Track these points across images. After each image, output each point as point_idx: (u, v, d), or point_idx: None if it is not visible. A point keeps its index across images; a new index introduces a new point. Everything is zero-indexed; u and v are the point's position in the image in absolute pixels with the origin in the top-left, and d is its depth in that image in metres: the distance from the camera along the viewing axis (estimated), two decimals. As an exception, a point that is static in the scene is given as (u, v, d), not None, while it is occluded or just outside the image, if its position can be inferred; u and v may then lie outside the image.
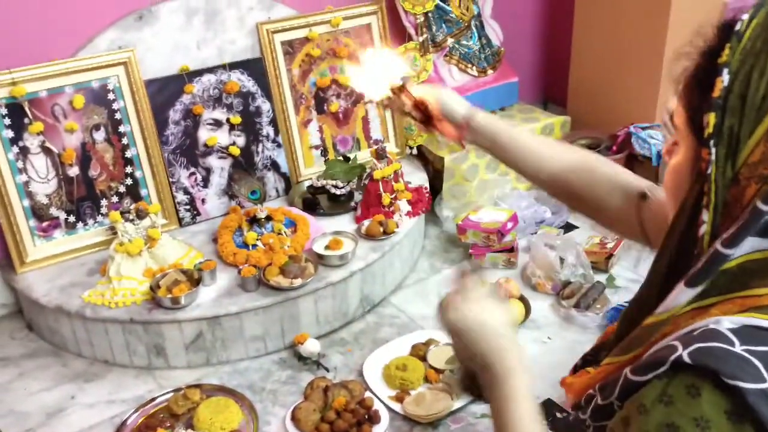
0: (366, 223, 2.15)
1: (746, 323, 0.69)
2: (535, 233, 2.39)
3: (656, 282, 0.81)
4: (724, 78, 0.70)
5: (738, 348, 0.67)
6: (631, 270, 2.23)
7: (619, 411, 0.75)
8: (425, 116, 1.22)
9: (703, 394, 0.66)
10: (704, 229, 0.73)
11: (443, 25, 2.55)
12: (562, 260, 2.13)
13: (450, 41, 2.57)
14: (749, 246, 0.69)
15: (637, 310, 0.83)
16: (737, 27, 0.71)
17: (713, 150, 0.71)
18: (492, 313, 0.85)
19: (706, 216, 0.72)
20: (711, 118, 0.71)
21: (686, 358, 0.67)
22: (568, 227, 2.48)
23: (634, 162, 2.58)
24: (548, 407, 1.65)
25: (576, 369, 0.98)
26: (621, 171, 1.12)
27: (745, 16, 0.71)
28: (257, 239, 2.03)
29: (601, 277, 2.17)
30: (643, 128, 2.52)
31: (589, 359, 0.97)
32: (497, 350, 0.84)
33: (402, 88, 1.20)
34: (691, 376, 0.67)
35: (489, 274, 2.23)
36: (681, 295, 0.73)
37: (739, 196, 0.71)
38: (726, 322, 0.70)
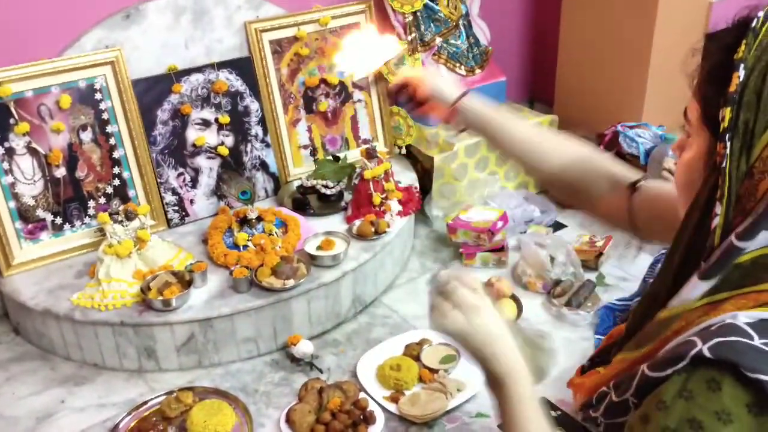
0: (357, 223, 2.14)
1: (762, 317, 0.70)
2: (525, 232, 2.40)
3: (668, 276, 0.82)
4: (740, 73, 0.71)
5: (757, 341, 0.68)
6: (620, 268, 2.25)
7: (636, 408, 0.75)
8: (412, 99, 1.20)
9: (724, 387, 0.67)
10: (717, 221, 0.74)
11: (431, 24, 2.55)
12: (552, 259, 2.14)
13: (438, 40, 2.57)
14: (763, 240, 0.70)
15: (648, 305, 0.84)
16: (753, 24, 0.72)
17: (728, 144, 0.72)
18: (481, 318, 0.85)
19: (719, 209, 0.73)
20: (727, 113, 0.72)
21: (706, 353, 0.68)
22: (557, 226, 2.49)
23: (621, 161, 2.59)
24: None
25: (583, 370, 0.98)
26: (612, 163, 1.14)
27: (761, 14, 0.72)
28: (248, 240, 2.02)
29: (591, 276, 2.18)
30: (630, 127, 2.54)
31: (597, 361, 0.97)
32: (491, 357, 0.83)
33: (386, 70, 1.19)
34: (712, 370, 0.68)
35: (476, 274, 2.24)
36: (695, 288, 0.74)
37: (753, 190, 0.72)
38: (742, 317, 0.70)
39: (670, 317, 0.76)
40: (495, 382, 0.84)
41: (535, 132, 1.15)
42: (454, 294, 0.86)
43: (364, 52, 1.24)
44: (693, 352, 0.69)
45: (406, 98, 1.20)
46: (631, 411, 0.77)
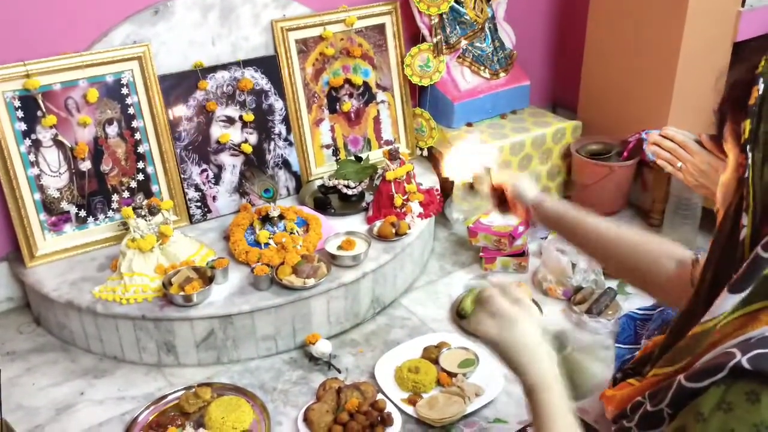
0: (378, 223, 2.14)
1: None
2: (545, 238, 2.39)
3: (703, 291, 0.81)
4: (760, 87, 0.74)
5: None
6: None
7: (671, 419, 0.75)
8: (501, 199, 1.36)
9: (763, 400, 0.66)
10: (745, 232, 0.74)
11: (457, 26, 2.54)
12: (573, 265, 2.13)
13: (463, 43, 2.56)
14: None
15: (685, 321, 0.83)
16: None
17: (750, 155, 0.73)
18: (518, 326, 0.86)
19: (746, 220, 0.74)
20: (747, 125, 0.73)
21: (745, 364, 0.68)
22: (579, 232, 2.47)
23: (644, 169, 2.57)
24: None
25: (615, 381, 0.98)
26: (670, 243, 1.18)
27: None
28: (270, 238, 2.02)
29: (612, 284, 2.16)
30: (655, 135, 2.51)
31: (630, 372, 0.97)
32: (526, 365, 0.83)
33: (484, 175, 1.37)
34: (751, 382, 0.68)
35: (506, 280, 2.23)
36: (725, 301, 0.74)
37: None
38: None
39: (703, 332, 0.76)
40: (527, 391, 0.84)
41: (603, 225, 1.24)
42: (491, 302, 0.87)
43: (465, 158, 1.43)
44: (732, 363, 0.69)
45: (497, 200, 1.38)
46: (665, 422, 0.76)
